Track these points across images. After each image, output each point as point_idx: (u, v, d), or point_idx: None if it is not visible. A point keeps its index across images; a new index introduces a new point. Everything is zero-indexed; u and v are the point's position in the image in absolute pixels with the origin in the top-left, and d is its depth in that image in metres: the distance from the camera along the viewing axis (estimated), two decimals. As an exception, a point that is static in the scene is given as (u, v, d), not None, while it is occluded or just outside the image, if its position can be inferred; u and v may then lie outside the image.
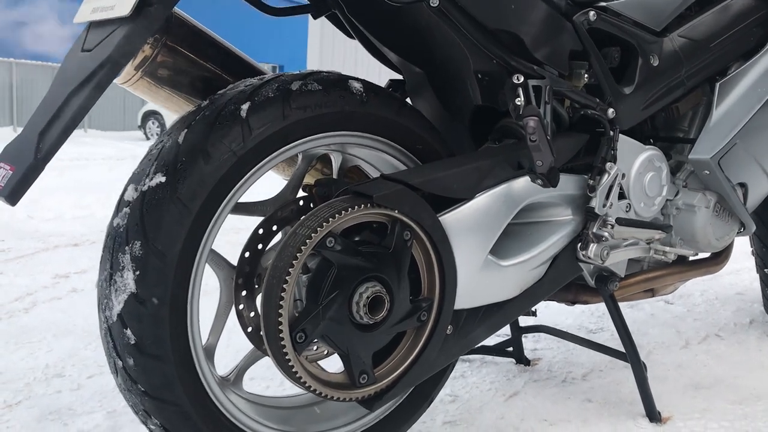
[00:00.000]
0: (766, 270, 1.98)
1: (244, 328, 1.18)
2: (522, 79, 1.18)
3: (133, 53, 0.93)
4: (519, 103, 1.18)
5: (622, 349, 1.52)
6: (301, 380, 1.07)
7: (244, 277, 1.17)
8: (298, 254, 1.03)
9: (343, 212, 1.06)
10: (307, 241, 1.03)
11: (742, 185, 1.58)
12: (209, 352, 1.16)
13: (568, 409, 1.57)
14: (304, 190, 1.24)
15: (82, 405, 1.58)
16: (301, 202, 1.20)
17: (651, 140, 1.55)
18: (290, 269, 1.02)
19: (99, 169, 5.86)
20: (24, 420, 1.51)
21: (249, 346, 1.23)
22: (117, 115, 16.66)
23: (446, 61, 1.32)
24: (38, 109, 0.98)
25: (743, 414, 1.56)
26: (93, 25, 1.01)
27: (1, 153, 0.98)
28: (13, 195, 0.89)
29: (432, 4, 1.12)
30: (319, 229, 1.04)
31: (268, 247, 1.19)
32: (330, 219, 1.04)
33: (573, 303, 1.54)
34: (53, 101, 0.95)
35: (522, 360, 1.80)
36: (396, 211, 1.10)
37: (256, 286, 1.18)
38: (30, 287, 2.54)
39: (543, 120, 1.13)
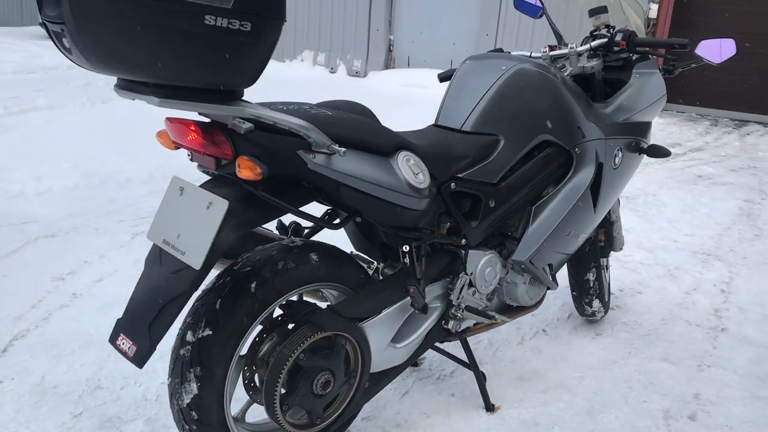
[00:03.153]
0: (573, 293, 2.97)
1: (248, 392, 2.03)
2: (408, 248, 2.02)
3: (200, 285, 1.70)
4: (406, 262, 2.03)
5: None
6: (284, 427, 1.94)
7: (248, 366, 2.00)
8: (282, 370, 1.87)
9: (307, 340, 1.90)
10: (288, 361, 1.87)
11: (550, 265, 2.50)
12: (227, 406, 2.00)
13: (439, 403, 2.52)
14: (280, 308, 2.05)
15: (125, 413, 2.39)
16: (279, 318, 2.03)
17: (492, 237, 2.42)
18: (279, 378, 1.87)
19: (34, 119, 6.27)
20: (90, 428, 2.32)
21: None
22: (13, 8, 14.47)
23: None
24: (138, 296, 1.75)
25: (544, 401, 2.55)
26: (164, 252, 1.76)
27: (118, 323, 1.76)
28: (141, 364, 1.68)
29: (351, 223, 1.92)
30: (294, 352, 1.88)
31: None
32: (300, 346, 1.89)
33: (442, 342, 2.45)
34: (151, 301, 1.72)
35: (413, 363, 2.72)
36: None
37: (254, 368, 2.02)
38: (37, 293, 3.24)
39: (419, 287, 1.98)
